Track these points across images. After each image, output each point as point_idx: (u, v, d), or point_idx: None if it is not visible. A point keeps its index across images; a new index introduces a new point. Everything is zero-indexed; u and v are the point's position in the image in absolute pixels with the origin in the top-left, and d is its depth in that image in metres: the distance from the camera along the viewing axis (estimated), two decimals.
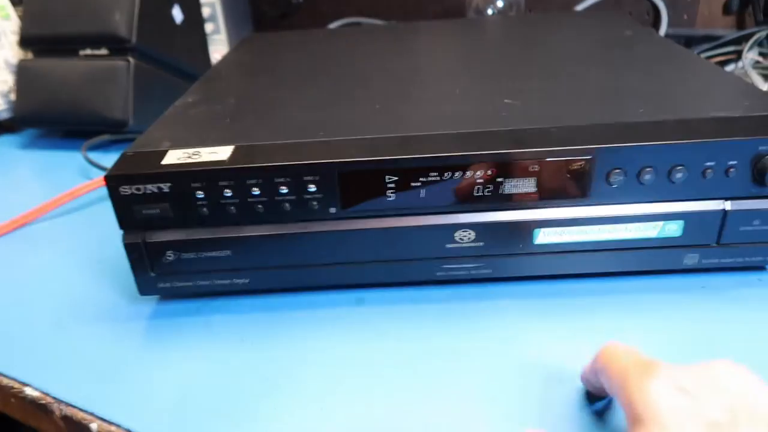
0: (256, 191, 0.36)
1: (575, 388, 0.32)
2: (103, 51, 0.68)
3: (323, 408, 0.32)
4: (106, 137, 0.68)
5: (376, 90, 0.47)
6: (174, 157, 0.36)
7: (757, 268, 0.40)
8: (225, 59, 0.61)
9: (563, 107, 0.40)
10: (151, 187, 0.36)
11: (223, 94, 0.48)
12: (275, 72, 0.55)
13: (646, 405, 0.23)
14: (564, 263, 0.38)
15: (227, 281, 0.39)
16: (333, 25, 0.99)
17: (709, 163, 0.35)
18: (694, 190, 0.36)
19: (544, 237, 0.37)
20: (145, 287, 0.39)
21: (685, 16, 0.87)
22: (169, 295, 0.42)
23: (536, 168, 0.35)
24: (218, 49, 0.95)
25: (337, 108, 0.43)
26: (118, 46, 0.67)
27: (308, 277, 0.39)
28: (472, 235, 0.37)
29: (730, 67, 0.78)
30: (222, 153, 0.36)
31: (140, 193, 0.36)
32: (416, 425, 0.31)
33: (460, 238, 0.37)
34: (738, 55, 0.77)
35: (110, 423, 0.33)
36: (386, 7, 0.99)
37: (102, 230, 0.51)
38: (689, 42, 0.85)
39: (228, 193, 0.36)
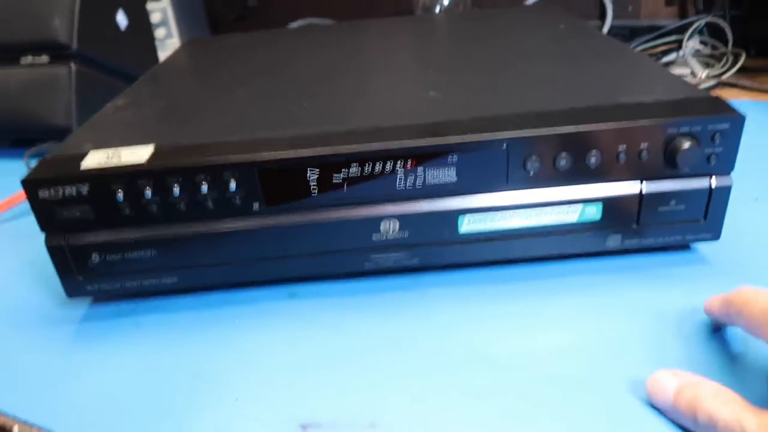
0: (176, 191, 0.36)
1: (514, 373, 0.33)
2: (45, 58, 0.67)
3: (242, 399, 0.32)
4: (49, 144, 0.67)
5: (307, 89, 0.47)
6: (93, 159, 0.36)
7: (680, 247, 0.41)
8: (164, 62, 0.61)
9: (484, 98, 0.41)
10: (70, 190, 0.35)
11: (154, 97, 0.48)
12: (210, 74, 0.55)
13: None
14: (490, 250, 0.39)
15: (155, 281, 0.39)
16: (288, 27, 0.99)
17: (621, 147, 0.36)
18: (609, 173, 0.37)
19: (468, 225, 0.38)
20: (71, 290, 0.39)
21: (630, 8, 0.89)
22: (98, 298, 0.42)
23: (455, 158, 0.36)
24: (170, 53, 0.95)
25: (265, 107, 0.43)
26: (59, 53, 0.66)
27: (237, 273, 0.39)
28: (396, 225, 0.38)
29: (671, 56, 0.80)
30: (142, 153, 0.36)
31: (59, 196, 0.36)
32: (353, 417, 0.31)
33: (385, 229, 0.38)
34: (679, 44, 0.79)
35: (32, 426, 0.33)
36: (341, 9, 1.00)
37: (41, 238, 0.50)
38: (634, 33, 0.86)
39: (148, 193, 0.36)
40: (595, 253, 0.40)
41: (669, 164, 0.36)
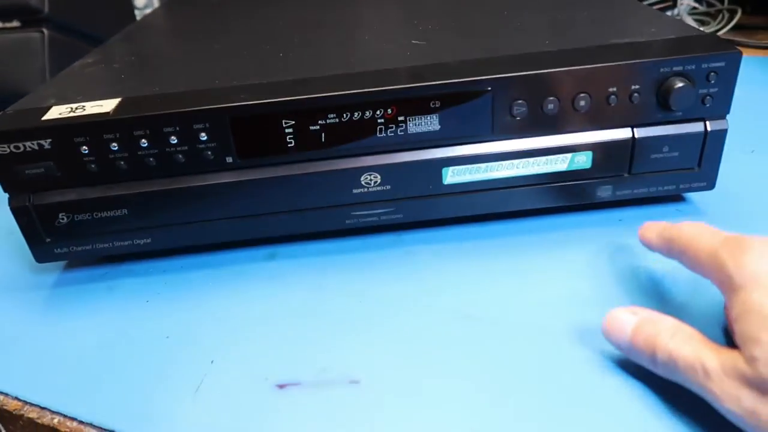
0: (144, 143, 0.34)
1: (481, 324, 0.31)
2: (15, 23, 0.64)
3: (216, 360, 0.31)
4: None
5: (285, 40, 0.45)
6: (56, 112, 0.34)
7: (673, 198, 0.40)
8: (139, 22, 0.59)
9: (469, 43, 0.39)
10: (31, 144, 0.33)
11: (125, 53, 0.46)
12: (185, 32, 0.52)
13: (745, 274, 0.23)
14: (476, 203, 0.37)
15: (128, 242, 0.37)
16: None
17: (612, 89, 0.34)
18: (599, 118, 0.35)
19: (453, 176, 0.36)
20: (40, 254, 0.37)
21: None
22: (71, 263, 0.40)
23: (437, 104, 0.34)
24: None
25: (240, 59, 0.41)
26: (30, 18, 0.64)
27: (213, 233, 0.37)
28: (378, 178, 0.36)
29: (666, 14, 0.77)
30: (107, 105, 0.34)
31: (20, 151, 0.34)
32: (333, 375, 0.29)
33: (367, 182, 0.36)
34: (674, 1, 0.77)
35: (2, 393, 0.31)
36: None
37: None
38: None
39: (114, 146, 0.34)
40: (585, 206, 0.39)
41: (662, 107, 0.35)
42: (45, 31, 0.64)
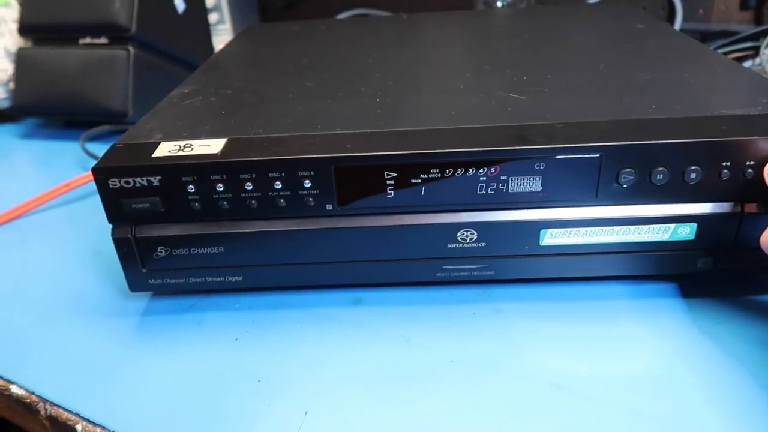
0: (249, 186, 0.34)
1: (576, 397, 0.31)
2: (103, 40, 0.66)
3: (310, 411, 0.31)
4: (105, 128, 0.67)
5: (378, 83, 0.45)
6: (165, 149, 0.35)
7: None
8: (225, 50, 0.60)
9: (570, 102, 0.39)
10: (141, 181, 0.34)
11: (219, 84, 0.47)
12: (275, 63, 0.53)
13: None
14: (571, 266, 0.37)
15: (220, 278, 0.38)
16: (340, 17, 0.97)
17: (725, 164, 0.33)
18: (708, 191, 0.34)
19: (550, 238, 0.36)
20: (135, 283, 0.38)
21: (701, 11, 0.84)
22: (161, 292, 0.41)
23: (542, 166, 0.34)
24: (222, 39, 0.94)
25: (337, 101, 0.42)
26: (118, 35, 0.66)
27: (304, 275, 0.38)
28: (474, 235, 0.36)
29: (747, 64, 0.76)
30: (214, 146, 0.35)
31: (129, 186, 0.34)
32: None
33: (462, 238, 0.36)
34: (755, 52, 0.75)
35: (95, 424, 0.32)
36: (392, 0, 0.98)
37: (98, 223, 0.50)
38: (704, 38, 0.82)
39: (220, 187, 0.34)
40: (683, 275, 0.38)
41: None
42: (131, 49, 0.66)
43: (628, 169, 0.33)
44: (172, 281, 0.38)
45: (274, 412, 0.31)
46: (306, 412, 0.31)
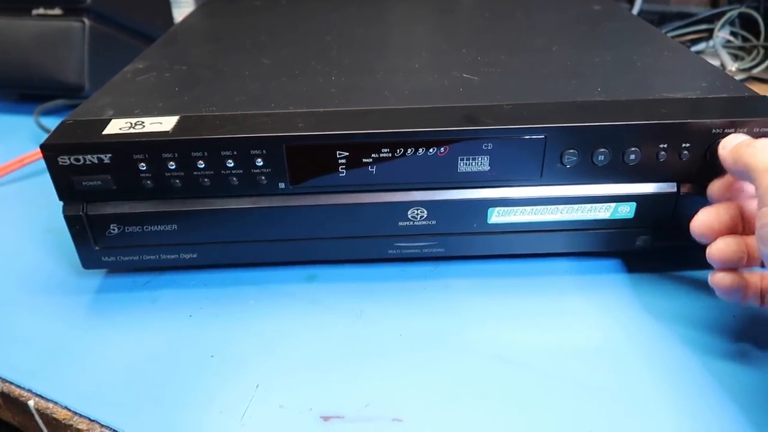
0: (201, 164, 0.35)
1: (520, 369, 0.32)
2: (57, 11, 0.64)
3: (261, 385, 0.32)
4: (60, 102, 0.65)
5: (335, 61, 0.45)
6: (116, 126, 0.35)
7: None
8: (183, 23, 0.59)
9: (521, 83, 0.39)
10: (91, 158, 0.34)
11: (175, 60, 0.46)
12: (232, 38, 0.53)
13: None
14: (518, 243, 0.38)
15: (174, 256, 0.38)
16: None
17: (663, 146, 0.35)
18: (647, 172, 0.36)
19: (498, 216, 0.37)
20: (88, 261, 0.38)
21: None
22: (116, 269, 0.41)
23: (489, 146, 0.35)
24: (184, 11, 0.91)
25: (293, 79, 0.42)
26: (72, 6, 0.64)
27: (258, 252, 0.38)
28: (424, 213, 0.37)
29: (701, 46, 0.78)
30: (166, 123, 0.35)
31: (79, 163, 0.34)
32: (376, 411, 0.30)
33: (413, 216, 0.37)
34: (709, 34, 0.77)
35: (48, 400, 0.32)
36: None
37: (52, 200, 0.49)
38: (663, 19, 0.84)
39: (172, 165, 0.35)
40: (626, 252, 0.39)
41: (709, 166, 0.35)
42: (86, 21, 0.64)
43: (571, 150, 0.35)
44: (126, 259, 0.38)
45: (226, 385, 0.32)
46: (257, 386, 0.32)
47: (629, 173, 0.36)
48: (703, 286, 0.37)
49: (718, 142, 0.34)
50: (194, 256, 0.38)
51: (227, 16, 0.61)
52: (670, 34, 0.81)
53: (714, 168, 0.35)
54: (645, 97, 0.36)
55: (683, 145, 0.35)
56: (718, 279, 0.32)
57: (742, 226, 0.33)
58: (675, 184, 0.36)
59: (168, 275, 0.40)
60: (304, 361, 0.33)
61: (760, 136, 0.34)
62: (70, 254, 0.42)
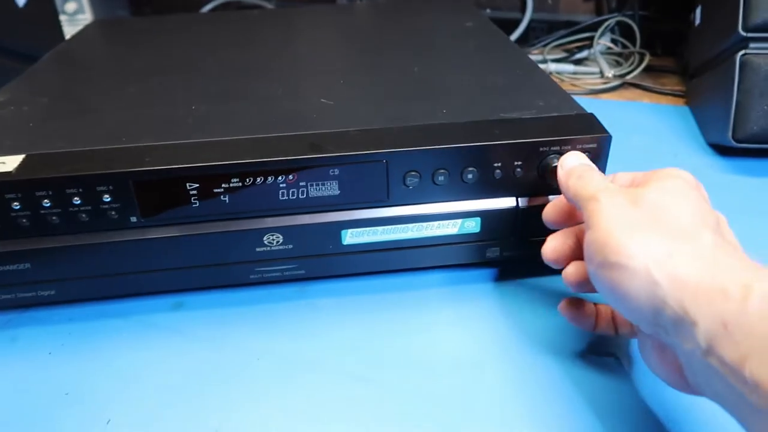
0: (47, 203, 0.35)
1: (373, 386, 0.34)
2: None
3: (112, 420, 0.32)
4: None
5: (201, 89, 0.46)
6: None
7: None
8: (60, 48, 0.58)
9: (373, 108, 0.41)
10: None
11: (38, 91, 0.46)
12: (105, 65, 0.53)
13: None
14: (374, 261, 0.40)
15: (32, 294, 0.38)
16: (205, 9, 0.95)
17: (497, 164, 0.37)
18: (487, 189, 0.38)
19: (352, 237, 0.38)
20: None
21: (550, 1, 0.90)
22: None
23: (336, 172, 0.36)
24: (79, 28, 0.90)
25: (152, 109, 0.42)
26: None
27: (118, 285, 0.38)
28: (280, 238, 0.38)
29: (583, 53, 0.82)
30: (10, 163, 0.35)
31: None
32: None
33: (269, 242, 0.38)
34: (591, 42, 0.81)
35: None
36: None
37: None
38: (552, 27, 0.88)
39: (16, 205, 0.34)
40: (477, 263, 0.42)
41: (542, 180, 0.38)
42: None
43: (412, 172, 0.37)
44: None
45: (77, 423, 0.32)
46: (108, 421, 0.32)
47: (470, 191, 0.38)
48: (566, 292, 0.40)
49: (553, 158, 0.37)
50: (52, 292, 0.38)
51: (108, 39, 0.60)
52: (557, 42, 0.85)
53: (546, 180, 0.37)
54: (485, 118, 0.39)
55: (515, 163, 0.37)
56: (563, 307, 0.34)
57: None
58: (514, 198, 0.39)
59: (30, 312, 0.40)
60: (158, 393, 0.34)
61: (585, 152, 0.37)
62: None
